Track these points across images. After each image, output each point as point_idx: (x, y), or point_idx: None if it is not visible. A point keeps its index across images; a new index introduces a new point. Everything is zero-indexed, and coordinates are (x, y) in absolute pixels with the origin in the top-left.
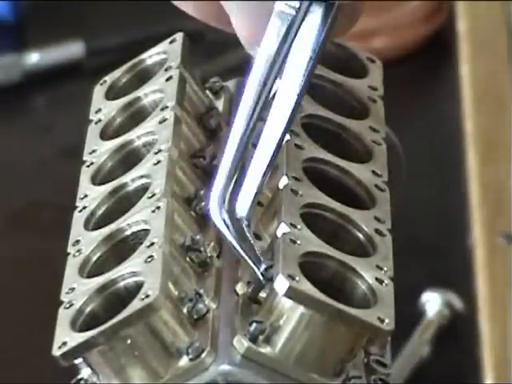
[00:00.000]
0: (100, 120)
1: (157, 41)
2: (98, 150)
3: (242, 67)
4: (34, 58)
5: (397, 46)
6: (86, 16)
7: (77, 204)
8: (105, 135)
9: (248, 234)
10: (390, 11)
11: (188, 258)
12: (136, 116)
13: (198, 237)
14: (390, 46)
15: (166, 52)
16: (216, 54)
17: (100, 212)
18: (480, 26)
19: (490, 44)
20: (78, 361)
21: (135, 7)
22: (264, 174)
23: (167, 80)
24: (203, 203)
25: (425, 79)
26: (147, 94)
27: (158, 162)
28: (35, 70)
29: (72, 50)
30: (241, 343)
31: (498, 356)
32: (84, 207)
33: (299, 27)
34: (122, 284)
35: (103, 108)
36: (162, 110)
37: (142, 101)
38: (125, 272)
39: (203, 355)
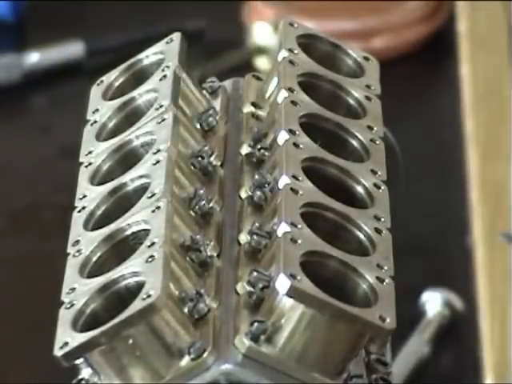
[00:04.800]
0: (96, 121)
1: (156, 41)
2: (94, 151)
3: (241, 67)
4: (33, 57)
5: (397, 46)
6: (86, 16)
7: (76, 204)
8: (101, 136)
9: None
10: (390, 11)
11: (188, 258)
12: (131, 116)
13: (197, 236)
14: (390, 46)
15: (163, 52)
16: (215, 54)
17: (99, 212)
18: (480, 25)
19: (490, 44)
20: (79, 361)
21: (135, 7)
22: None
23: (161, 79)
24: (202, 203)
25: (425, 79)
26: (141, 93)
27: (157, 161)
28: (35, 70)
29: (72, 49)
30: (242, 343)
31: (498, 356)
32: (83, 207)
33: None
34: (122, 284)
35: (100, 108)
36: (157, 109)
37: (137, 101)
38: (126, 272)
39: (205, 355)
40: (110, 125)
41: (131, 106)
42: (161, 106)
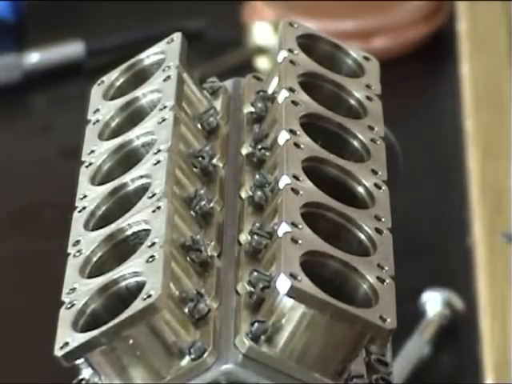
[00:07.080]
0: (98, 120)
1: (156, 41)
2: (96, 151)
3: (241, 67)
4: (33, 57)
5: (397, 45)
6: (86, 16)
7: (76, 204)
8: (103, 135)
9: None
10: (389, 11)
11: (189, 258)
12: (134, 116)
13: (198, 237)
14: (389, 46)
15: (164, 52)
16: (215, 54)
17: (100, 212)
18: (480, 25)
19: (490, 44)
20: (80, 361)
21: (135, 7)
22: None
23: (165, 80)
24: (203, 203)
25: (425, 79)
26: (145, 93)
27: (158, 162)
28: (35, 69)
29: (72, 49)
30: (243, 343)
31: (498, 356)
32: (84, 207)
33: None
34: (123, 284)
35: (101, 108)
36: (161, 109)
37: (140, 101)
38: (126, 272)
39: (205, 355)
40: (113, 124)
41: (134, 106)
42: (165, 107)
